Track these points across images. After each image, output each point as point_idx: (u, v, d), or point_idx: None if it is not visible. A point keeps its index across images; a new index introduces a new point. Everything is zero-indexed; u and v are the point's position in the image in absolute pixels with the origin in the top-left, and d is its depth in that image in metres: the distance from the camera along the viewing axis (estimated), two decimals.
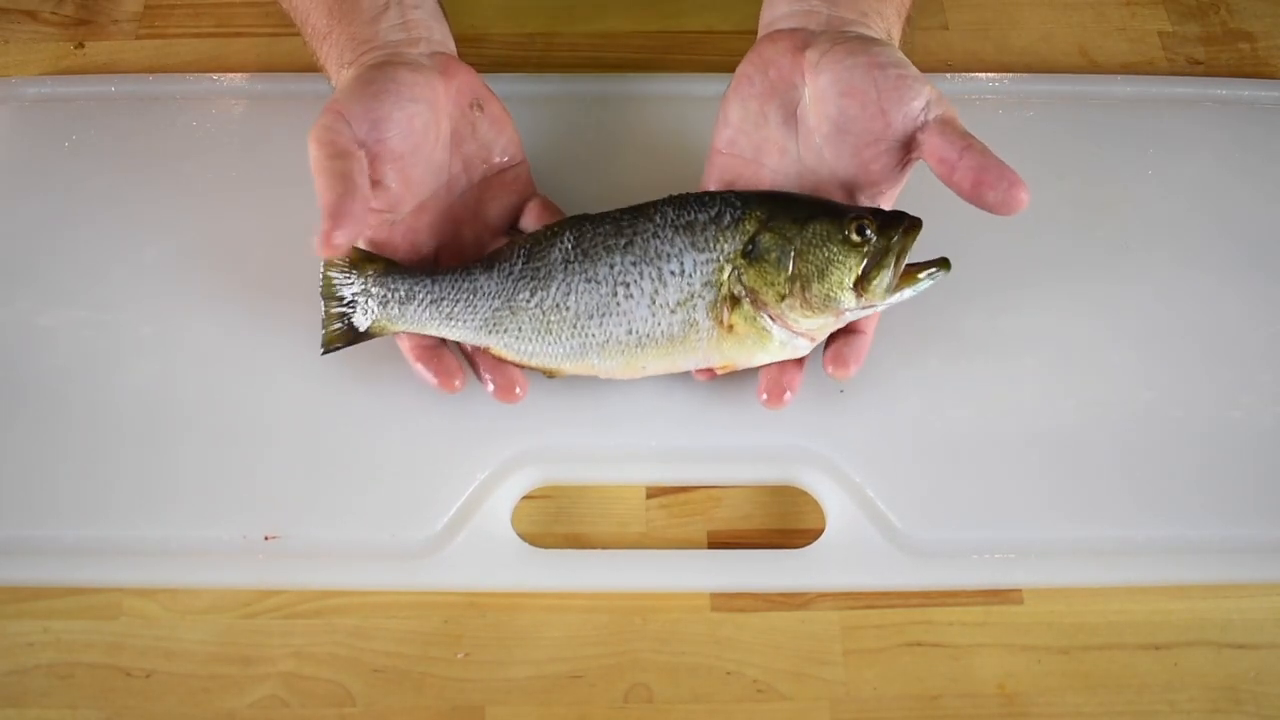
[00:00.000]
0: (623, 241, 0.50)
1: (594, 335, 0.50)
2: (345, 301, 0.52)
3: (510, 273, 0.50)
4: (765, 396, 0.51)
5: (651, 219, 0.50)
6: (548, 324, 0.50)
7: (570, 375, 0.52)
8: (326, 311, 0.52)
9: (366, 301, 0.51)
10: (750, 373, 0.53)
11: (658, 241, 0.50)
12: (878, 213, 0.49)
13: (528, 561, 0.50)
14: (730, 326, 0.49)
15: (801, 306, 0.49)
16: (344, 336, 0.52)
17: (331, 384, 0.54)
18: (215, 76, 0.65)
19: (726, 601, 0.50)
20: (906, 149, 0.49)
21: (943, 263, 0.49)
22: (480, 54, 0.68)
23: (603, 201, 0.52)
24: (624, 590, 0.50)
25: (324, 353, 0.52)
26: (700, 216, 0.50)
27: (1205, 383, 0.55)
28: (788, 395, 0.51)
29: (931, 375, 0.55)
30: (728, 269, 0.49)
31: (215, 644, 0.49)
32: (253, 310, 0.56)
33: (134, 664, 0.49)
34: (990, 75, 0.67)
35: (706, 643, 0.50)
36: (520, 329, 0.50)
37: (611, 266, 0.50)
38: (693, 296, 0.49)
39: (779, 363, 0.51)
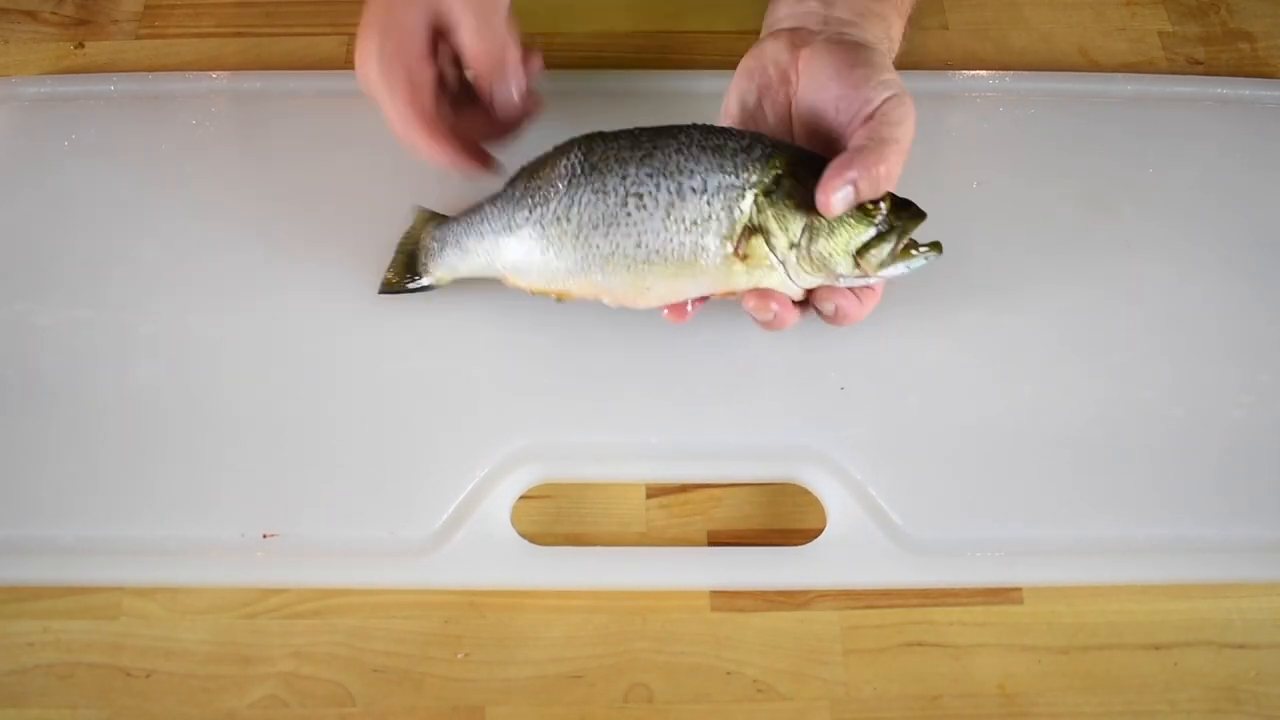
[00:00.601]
0: (639, 154, 0.49)
1: (599, 247, 0.49)
2: (409, 251, 0.56)
3: (512, 196, 0.51)
4: (751, 306, 0.50)
5: (676, 136, 0.49)
6: (547, 239, 0.50)
7: (578, 299, 0.51)
8: (395, 261, 0.56)
9: (422, 253, 0.55)
10: (749, 372, 0.52)
11: (680, 157, 0.49)
12: (891, 195, 0.49)
13: (528, 560, 0.50)
14: (745, 256, 0.49)
15: (803, 260, 0.49)
16: (399, 284, 0.56)
17: (329, 382, 0.54)
18: (215, 76, 0.65)
19: (726, 601, 0.50)
20: None
21: (935, 246, 0.49)
22: None
23: None
24: (624, 589, 0.50)
25: (380, 292, 0.56)
26: (730, 143, 0.49)
27: (1206, 382, 0.55)
28: (773, 306, 0.50)
29: (932, 373, 0.55)
30: (750, 197, 0.48)
31: (215, 644, 0.49)
32: (252, 310, 0.56)
33: (134, 664, 0.49)
34: (990, 74, 0.67)
35: (706, 642, 0.50)
36: (522, 246, 0.51)
37: (624, 178, 0.49)
38: (710, 218, 0.48)
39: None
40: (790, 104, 0.52)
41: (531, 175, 0.51)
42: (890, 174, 0.48)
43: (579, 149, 0.50)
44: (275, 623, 0.50)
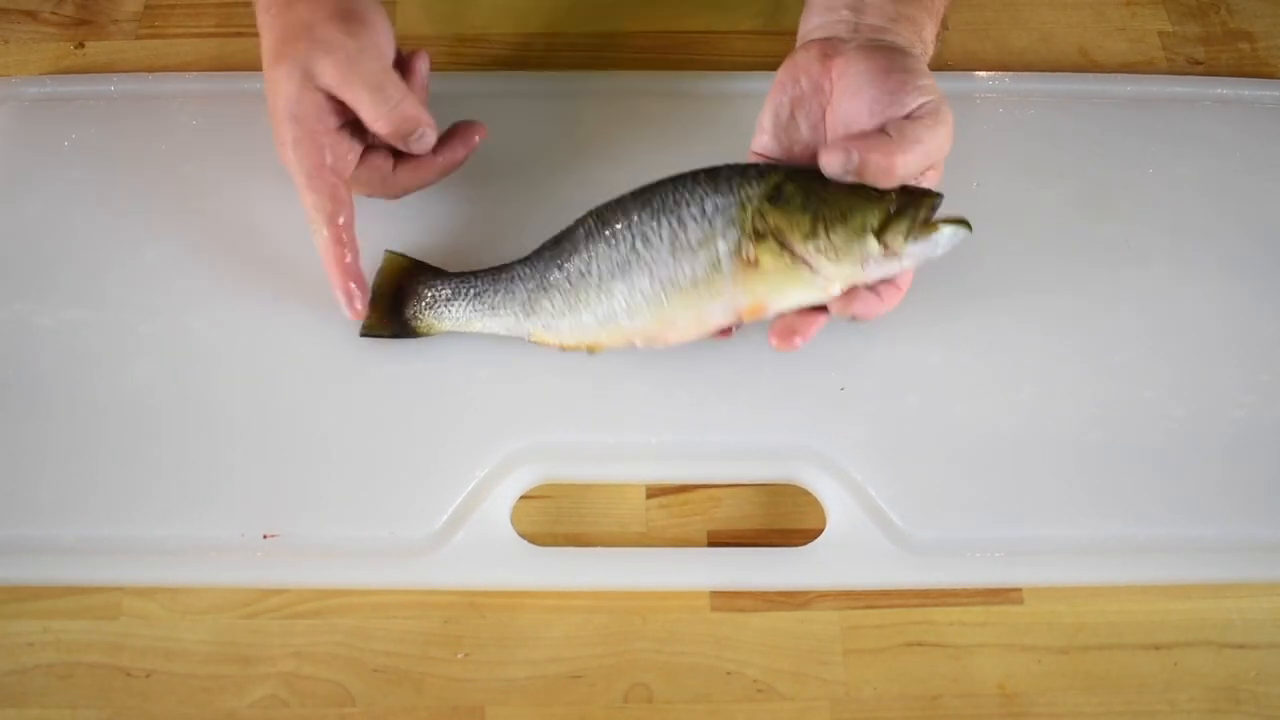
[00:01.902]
0: (639, 202, 0.51)
1: (620, 294, 0.50)
2: (390, 296, 0.55)
3: (541, 255, 0.52)
4: (775, 340, 0.51)
5: (675, 179, 0.51)
6: (576, 294, 0.51)
7: (609, 348, 0.52)
8: (375, 305, 0.55)
9: (415, 303, 0.54)
10: (749, 372, 0.52)
11: (678, 193, 0.50)
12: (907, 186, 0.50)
13: (528, 560, 0.50)
14: (756, 261, 0.49)
15: (827, 250, 0.48)
16: (386, 328, 0.55)
17: (330, 382, 0.54)
18: (215, 76, 0.65)
19: (726, 601, 0.50)
20: None
21: (962, 221, 0.49)
22: (481, 53, 0.68)
23: (603, 200, 0.52)
24: (624, 590, 0.50)
25: (362, 334, 0.55)
26: (726, 171, 0.50)
27: (1206, 382, 0.55)
28: (797, 340, 0.50)
29: (932, 373, 0.55)
30: (750, 207, 0.49)
31: (215, 644, 0.49)
32: (252, 310, 0.56)
33: (134, 664, 0.49)
34: (990, 75, 0.67)
35: (706, 642, 0.50)
36: (553, 305, 0.52)
37: (629, 225, 0.50)
38: (714, 236, 0.49)
39: (796, 311, 0.50)
40: (825, 114, 0.51)
41: (556, 242, 0.52)
42: (905, 168, 0.47)
43: (593, 213, 0.52)
44: (275, 623, 0.50)
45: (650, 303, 0.50)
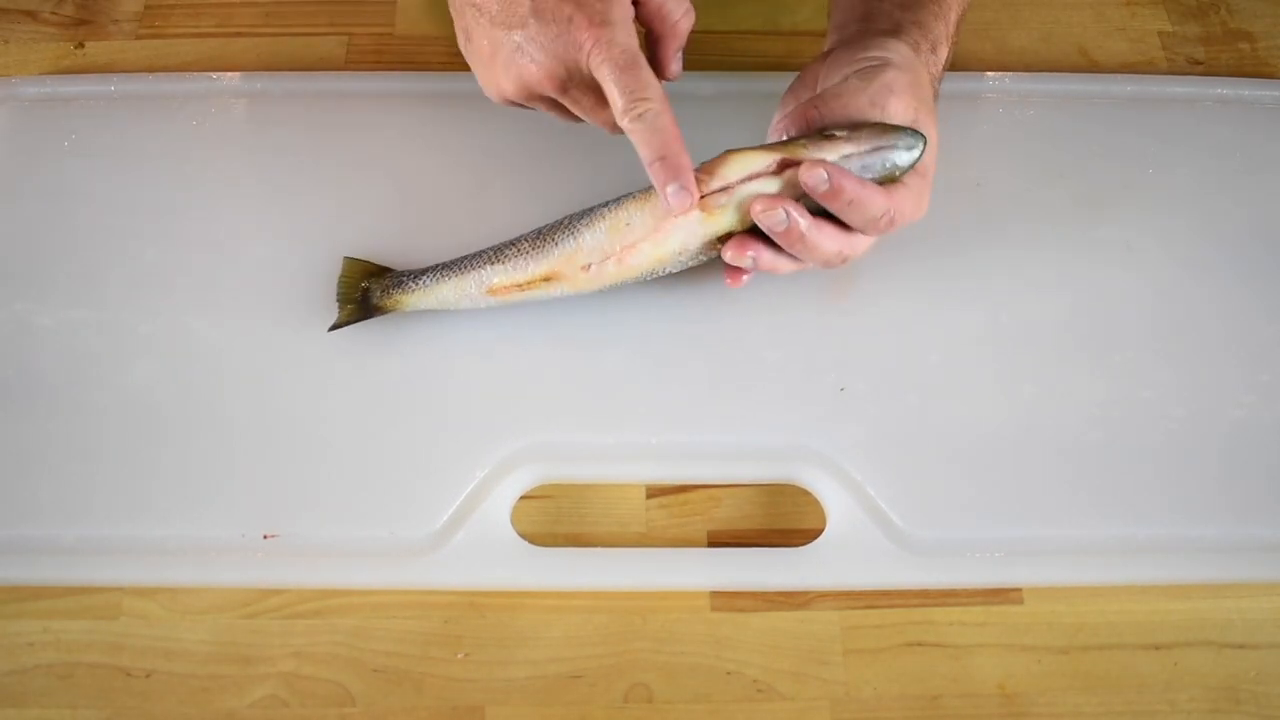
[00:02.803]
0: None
1: (585, 234, 0.52)
2: (355, 301, 0.55)
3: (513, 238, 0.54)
4: (727, 280, 0.52)
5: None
6: (543, 241, 0.53)
7: (570, 286, 0.53)
8: (342, 305, 0.55)
9: (379, 288, 0.55)
10: (749, 373, 0.52)
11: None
12: None
13: (528, 560, 0.50)
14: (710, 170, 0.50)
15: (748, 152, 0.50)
16: (352, 318, 0.55)
17: (330, 382, 0.54)
18: (215, 76, 0.65)
19: (726, 601, 0.50)
20: None
21: (917, 134, 0.49)
22: None
23: (603, 199, 0.52)
24: (624, 590, 0.50)
25: (331, 329, 0.55)
26: None
27: (1206, 382, 0.55)
28: (745, 278, 0.52)
29: (932, 373, 0.55)
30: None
31: (215, 644, 0.49)
32: (252, 310, 0.56)
33: (134, 664, 0.49)
34: (990, 75, 0.67)
35: (706, 643, 0.50)
36: (518, 251, 0.53)
37: (604, 204, 0.53)
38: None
39: (742, 234, 0.51)
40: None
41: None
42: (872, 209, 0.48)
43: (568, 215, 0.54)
44: (275, 623, 0.50)
45: (611, 227, 0.51)
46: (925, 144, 0.49)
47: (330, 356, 0.55)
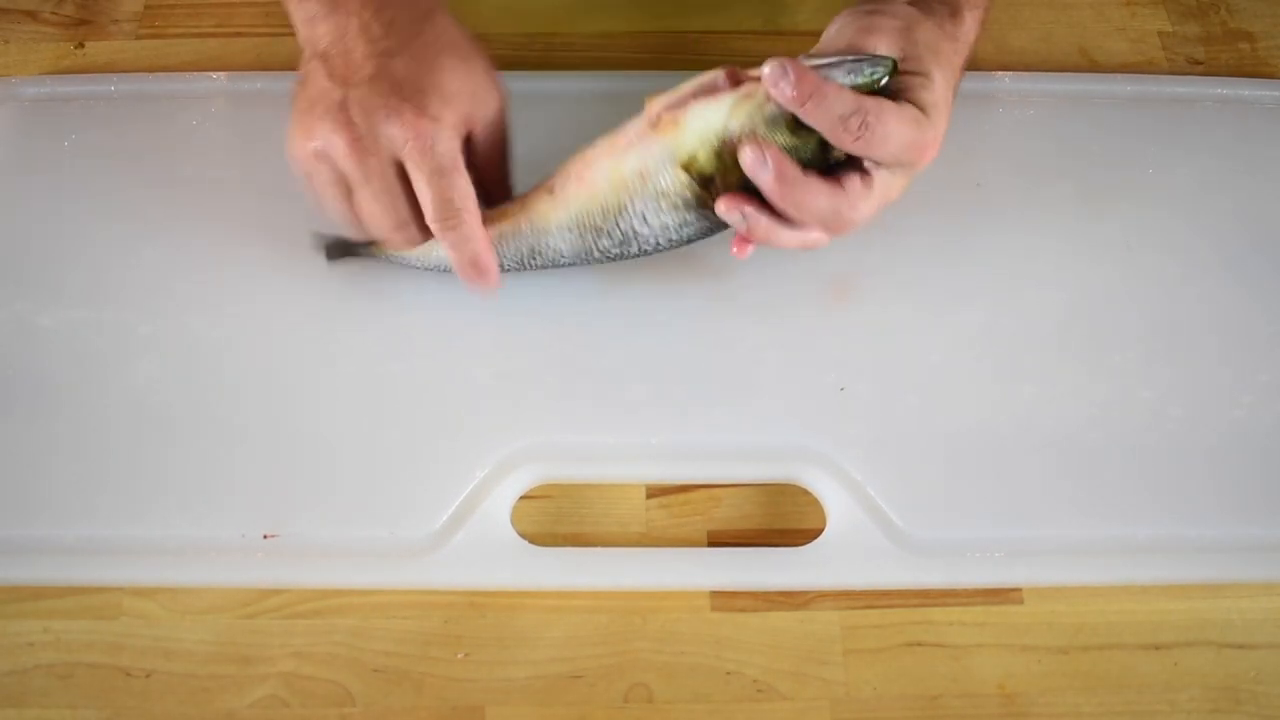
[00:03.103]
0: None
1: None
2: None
3: None
4: (733, 248, 0.50)
5: None
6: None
7: (542, 220, 0.52)
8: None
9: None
10: (749, 372, 0.52)
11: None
12: None
13: (528, 560, 0.50)
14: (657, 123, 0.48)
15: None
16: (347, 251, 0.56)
17: (330, 382, 0.54)
18: (215, 76, 0.65)
19: (726, 601, 0.50)
20: None
21: (882, 58, 0.45)
22: None
23: None
24: (624, 590, 0.50)
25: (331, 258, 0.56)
26: None
27: (1206, 382, 0.55)
28: (749, 249, 0.50)
29: (932, 373, 0.55)
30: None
31: (215, 644, 0.49)
32: (252, 310, 0.56)
33: (134, 664, 0.49)
34: (990, 74, 0.67)
35: (706, 643, 0.50)
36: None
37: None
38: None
39: (736, 192, 0.48)
40: None
41: None
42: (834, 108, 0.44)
43: None
44: (275, 623, 0.50)
45: (575, 154, 0.51)
46: (893, 66, 0.45)
47: (331, 356, 0.55)
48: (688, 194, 0.49)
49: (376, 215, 0.49)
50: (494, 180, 0.53)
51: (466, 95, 0.49)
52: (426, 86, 0.47)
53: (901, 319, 0.56)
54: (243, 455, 0.52)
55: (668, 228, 0.50)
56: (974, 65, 0.67)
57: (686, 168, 0.48)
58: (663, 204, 0.49)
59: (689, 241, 0.51)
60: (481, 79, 0.50)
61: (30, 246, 0.58)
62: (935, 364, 0.55)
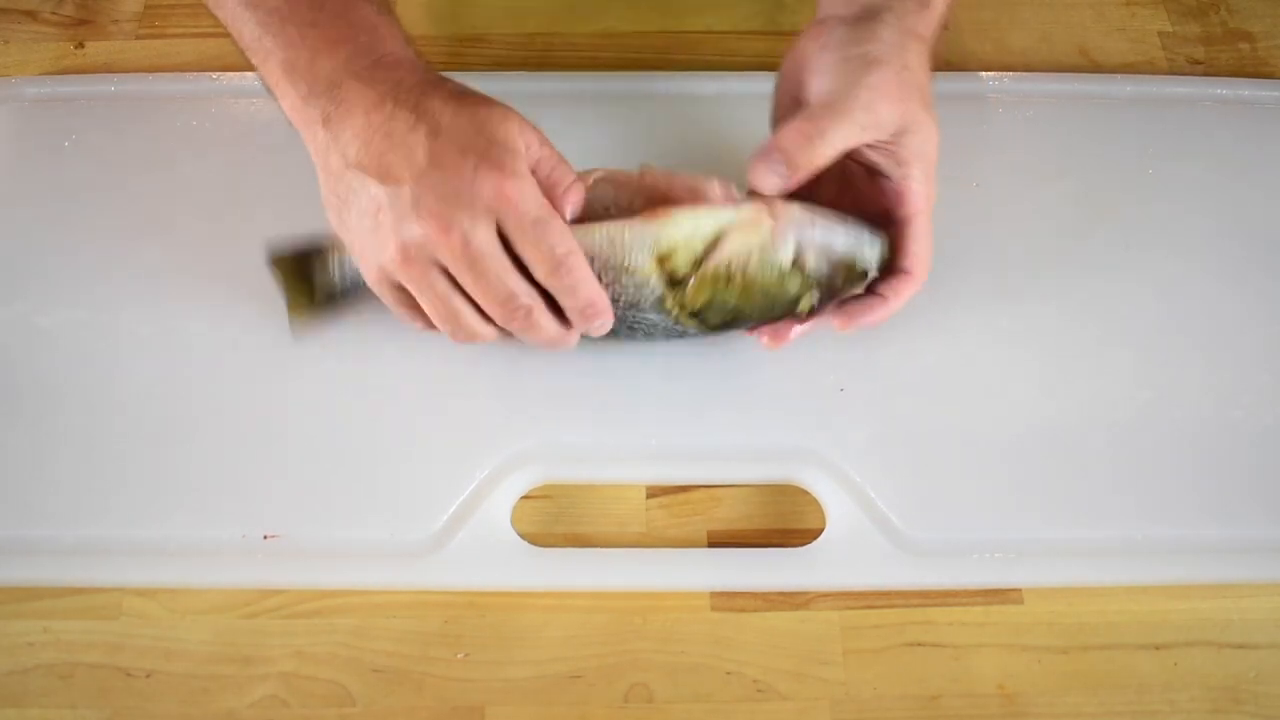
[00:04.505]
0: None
1: None
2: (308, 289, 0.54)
3: None
4: (765, 339, 0.53)
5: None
6: None
7: None
8: (293, 305, 0.54)
9: (325, 273, 0.53)
10: (749, 374, 0.52)
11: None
12: None
13: (528, 561, 0.50)
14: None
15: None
16: (316, 316, 0.54)
17: (331, 383, 0.54)
18: (215, 76, 0.65)
19: (726, 601, 0.50)
20: None
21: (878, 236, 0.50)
22: (480, 54, 0.68)
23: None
24: (624, 590, 0.50)
25: (297, 334, 0.54)
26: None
27: (1205, 382, 0.55)
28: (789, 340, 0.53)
29: (931, 375, 0.55)
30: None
31: (215, 644, 0.49)
32: (252, 310, 0.56)
33: (134, 664, 0.49)
34: (990, 75, 0.67)
35: (706, 643, 0.50)
36: None
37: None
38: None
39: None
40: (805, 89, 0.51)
41: None
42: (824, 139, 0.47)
43: None
44: (275, 623, 0.50)
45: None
46: (884, 245, 0.50)
47: (331, 357, 0.55)
48: (656, 284, 0.49)
49: (503, 293, 0.47)
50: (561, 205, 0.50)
51: (515, 136, 0.46)
52: (482, 147, 0.45)
53: (901, 319, 0.56)
54: (243, 456, 0.52)
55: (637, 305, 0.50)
56: (974, 65, 0.68)
57: (661, 261, 0.48)
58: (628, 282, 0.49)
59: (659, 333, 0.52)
60: (513, 116, 0.47)
61: (30, 246, 0.58)
62: (934, 365, 0.55)
